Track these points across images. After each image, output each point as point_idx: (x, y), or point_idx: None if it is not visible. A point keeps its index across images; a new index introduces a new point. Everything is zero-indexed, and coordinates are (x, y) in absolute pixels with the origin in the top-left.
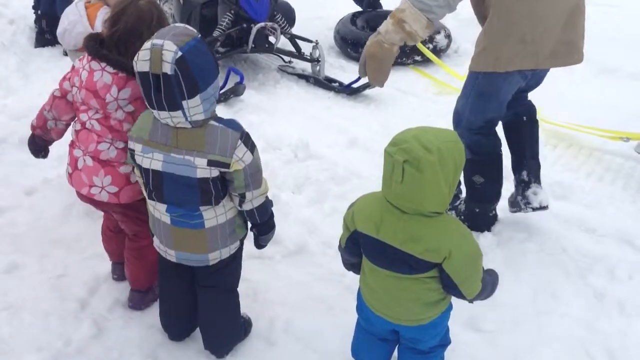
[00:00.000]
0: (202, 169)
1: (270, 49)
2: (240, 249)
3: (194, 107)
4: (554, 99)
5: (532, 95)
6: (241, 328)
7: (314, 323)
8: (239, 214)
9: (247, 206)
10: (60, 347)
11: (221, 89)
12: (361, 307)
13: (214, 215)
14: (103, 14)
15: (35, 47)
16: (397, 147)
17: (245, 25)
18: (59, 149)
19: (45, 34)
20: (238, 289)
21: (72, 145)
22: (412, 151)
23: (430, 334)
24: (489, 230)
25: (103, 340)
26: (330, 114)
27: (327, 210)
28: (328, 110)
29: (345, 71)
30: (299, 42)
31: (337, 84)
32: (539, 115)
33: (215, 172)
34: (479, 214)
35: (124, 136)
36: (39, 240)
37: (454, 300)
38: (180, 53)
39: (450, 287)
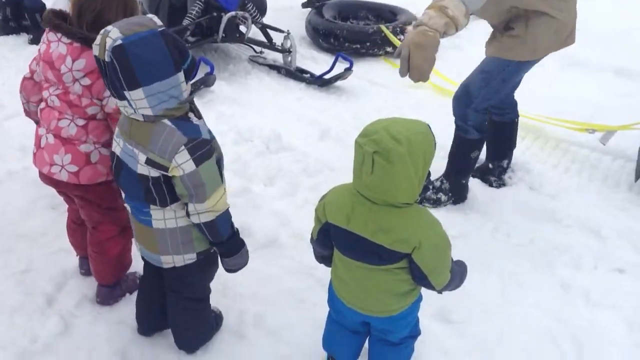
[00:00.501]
0: (141, 165)
1: (241, 38)
2: (203, 260)
3: (137, 100)
4: (522, 91)
5: None
6: (210, 328)
7: (284, 317)
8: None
9: (193, 218)
10: (27, 344)
11: (191, 79)
12: (332, 299)
13: (162, 218)
14: None
15: None
16: (367, 138)
17: (215, 14)
18: (23, 140)
19: (10, 21)
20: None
21: (37, 124)
22: (382, 142)
23: (401, 325)
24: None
25: (71, 336)
26: (302, 105)
27: (299, 203)
28: (300, 101)
29: (316, 62)
30: (270, 32)
31: (308, 75)
32: None
33: (154, 172)
34: (464, 185)
35: (83, 112)
36: (3, 234)
37: (423, 291)
38: (119, 42)
39: (420, 278)
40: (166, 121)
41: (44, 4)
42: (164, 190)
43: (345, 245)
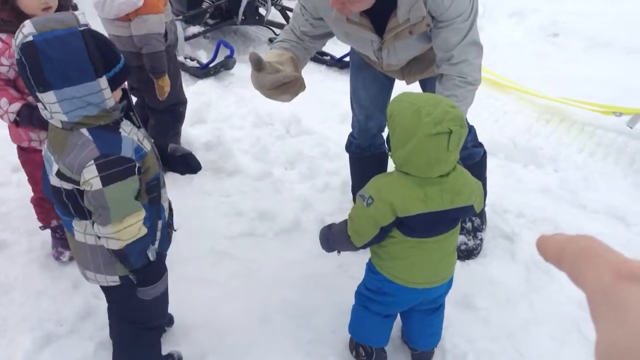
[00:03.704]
0: (52, 177)
1: (261, 21)
2: (130, 286)
3: (50, 103)
4: (546, 73)
5: (527, 71)
6: None
7: (308, 301)
8: None
9: (102, 241)
10: (52, 327)
11: (211, 62)
12: (386, 291)
13: (83, 231)
14: None
15: None
16: (444, 122)
17: None
18: None
19: None
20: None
21: None
22: (456, 116)
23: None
24: None
25: (95, 319)
26: (322, 88)
27: (320, 186)
28: (320, 84)
29: (336, 44)
30: (290, 14)
31: (328, 57)
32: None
33: (67, 185)
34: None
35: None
36: (28, 218)
37: None
38: (30, 39)
39: (469, 214)
40: (84, 131)
41: None
42: (81, 204)
43: (427, 227)
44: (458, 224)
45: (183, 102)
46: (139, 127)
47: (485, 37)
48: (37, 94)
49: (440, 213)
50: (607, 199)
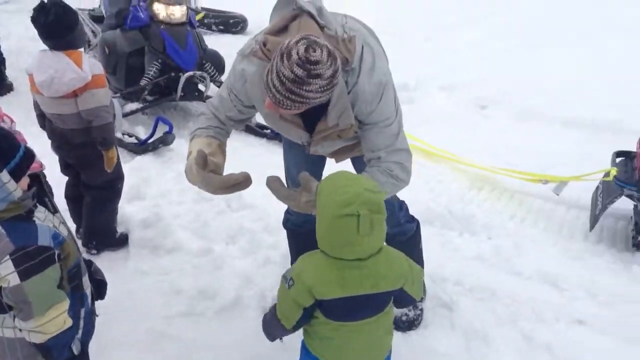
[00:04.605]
0: None
1: (200, 96)
2: None
3: None
4: (476, 143)
5: (458, 141)
6: None
7: None
8: None
9: (24, 334)
10: None
11: (149, 138)
12: None
13: (0, 323)
14: (87, 59)
15: None
16: (354, 204)
17: (173, 74)
18: None
19: None
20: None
21: None
22: (369, 200)
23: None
24: None
25: None
26: (262, 161)
27: (261, 261)
28: (260, 157)
29: None
30: None
31: (269, 131)
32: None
33: None
34: None
35: None
36: None
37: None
38: None
39: (407, 302)
40: None
41: (3, 58)
42: None
43: (345, 312)
44: (387, 308)
45: (121, 177)
46: (54, 213)
47: (418, 109)
48: None
49: (361, 298)
50: (540, 266)
